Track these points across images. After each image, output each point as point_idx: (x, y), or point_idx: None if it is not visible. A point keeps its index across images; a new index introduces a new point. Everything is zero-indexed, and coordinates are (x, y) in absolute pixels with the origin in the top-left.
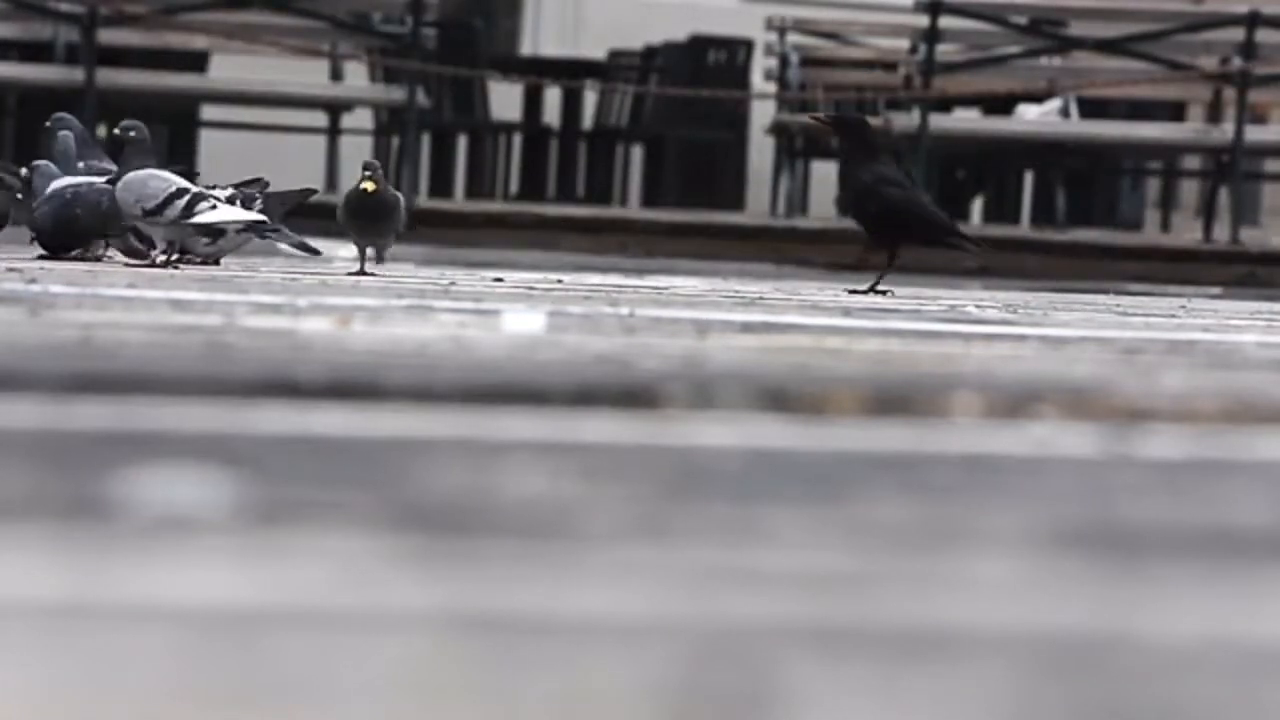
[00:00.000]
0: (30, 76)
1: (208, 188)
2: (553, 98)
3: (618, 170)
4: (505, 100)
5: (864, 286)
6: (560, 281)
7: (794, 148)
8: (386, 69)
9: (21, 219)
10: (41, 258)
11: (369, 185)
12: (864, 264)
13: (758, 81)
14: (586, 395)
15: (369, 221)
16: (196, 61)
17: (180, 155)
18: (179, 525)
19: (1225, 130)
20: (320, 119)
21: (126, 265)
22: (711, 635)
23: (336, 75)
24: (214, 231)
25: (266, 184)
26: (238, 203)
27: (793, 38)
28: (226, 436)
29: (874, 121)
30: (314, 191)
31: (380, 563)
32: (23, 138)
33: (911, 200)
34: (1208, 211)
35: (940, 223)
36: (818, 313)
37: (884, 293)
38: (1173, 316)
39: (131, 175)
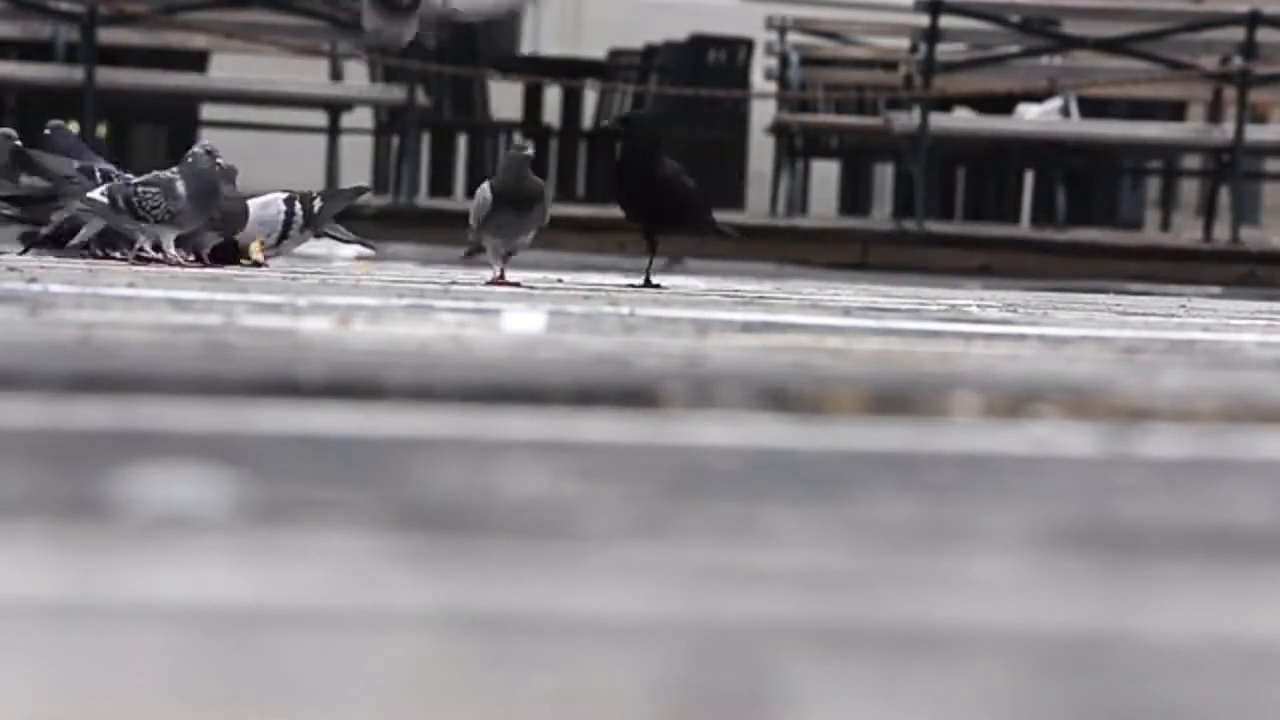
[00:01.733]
0: (30, 76)
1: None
2: (553, 97)
3: None
4: (505, 99)
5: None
6: (560, 281)
7: (794, 147)
8: (386, 68)
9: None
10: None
11: (529, 150)
12: (863, 262)
13: (758, 81)
14: (586, 395)
15: (520, 213)
16: (196, 61)
17: (180, 155)
18: (179, 525)
19: (1226, 130)
20: (320, 118)
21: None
22: (712, 635)
23: (336, 75)
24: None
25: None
26: (296, 205)
27: (793, 37)
28: (226, 436)
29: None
30: (366, 189)
31: (380, 563)
32: (22, 137)
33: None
34: (1208, 211)
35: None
36: (818, 312)
37: (658, 285)
38: (1173, 316)
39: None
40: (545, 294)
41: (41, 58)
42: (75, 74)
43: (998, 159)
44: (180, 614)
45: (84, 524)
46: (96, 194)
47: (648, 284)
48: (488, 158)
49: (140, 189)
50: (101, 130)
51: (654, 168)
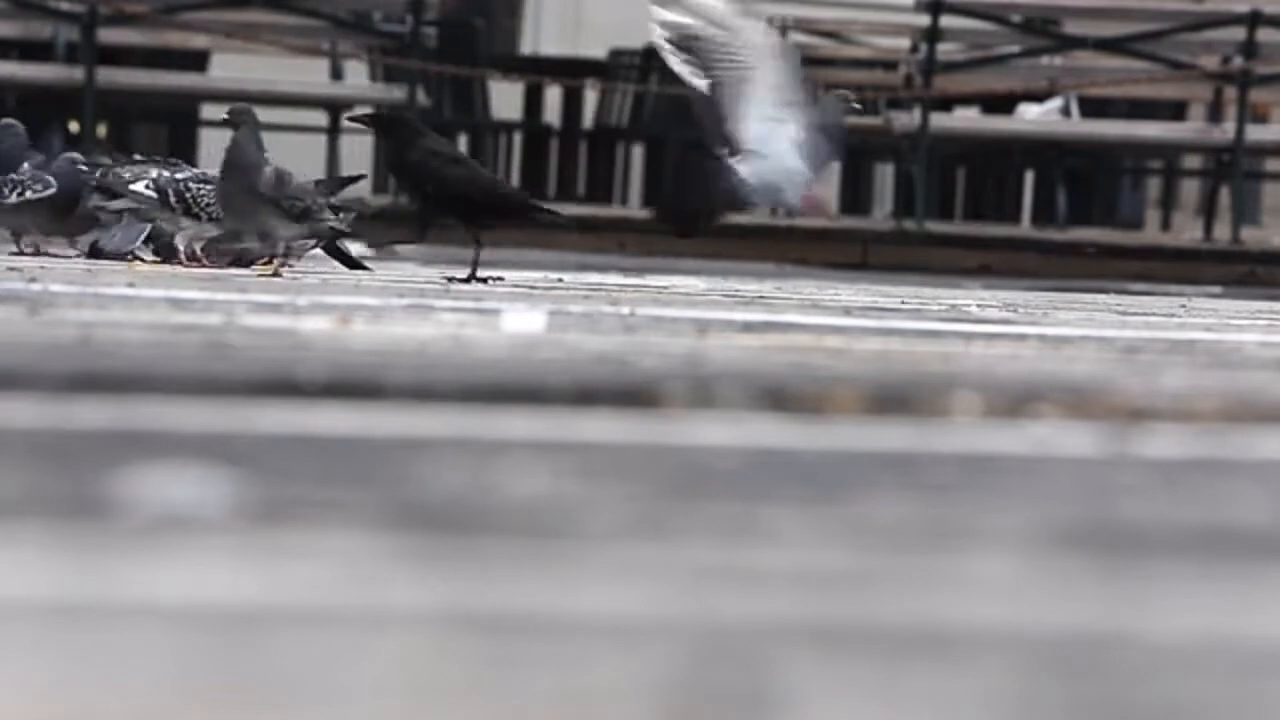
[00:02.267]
0: (30, 76)
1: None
2: (553, 97)
3: (618, 169)
4: (506, 99)
5: (463, 274)
6: (560, 280)
7: None
8: (386, 68)
9: None
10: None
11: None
12: (863, 262)
13: None
14: (586, 394)
15: None
16: (196, 61)
17: (180, 154)
18: (179, 525)
19: (1226, 129)
20: (320, 118)
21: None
22: (712, 635)
23: (336, 74)
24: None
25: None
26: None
27: (793, 37)
28: (226, 436)
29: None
30: (361, 176)
31: (380, 562)
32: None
33: (474, 176)
34: (1208, 211)
35: (511, 197)
36: (818, 312)
37: (486, 279)
38: (1173, 316)
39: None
40: (545, 294)
41: (42, 57)
42: (75, 74)
43: (998, 159)
44: (180, 614)
45: (84, 524)
46: (140, 187)
47: (472, 278)
48: (488, 157)
49: (192, 184)
50: (101, 130)
51: (420, 160)
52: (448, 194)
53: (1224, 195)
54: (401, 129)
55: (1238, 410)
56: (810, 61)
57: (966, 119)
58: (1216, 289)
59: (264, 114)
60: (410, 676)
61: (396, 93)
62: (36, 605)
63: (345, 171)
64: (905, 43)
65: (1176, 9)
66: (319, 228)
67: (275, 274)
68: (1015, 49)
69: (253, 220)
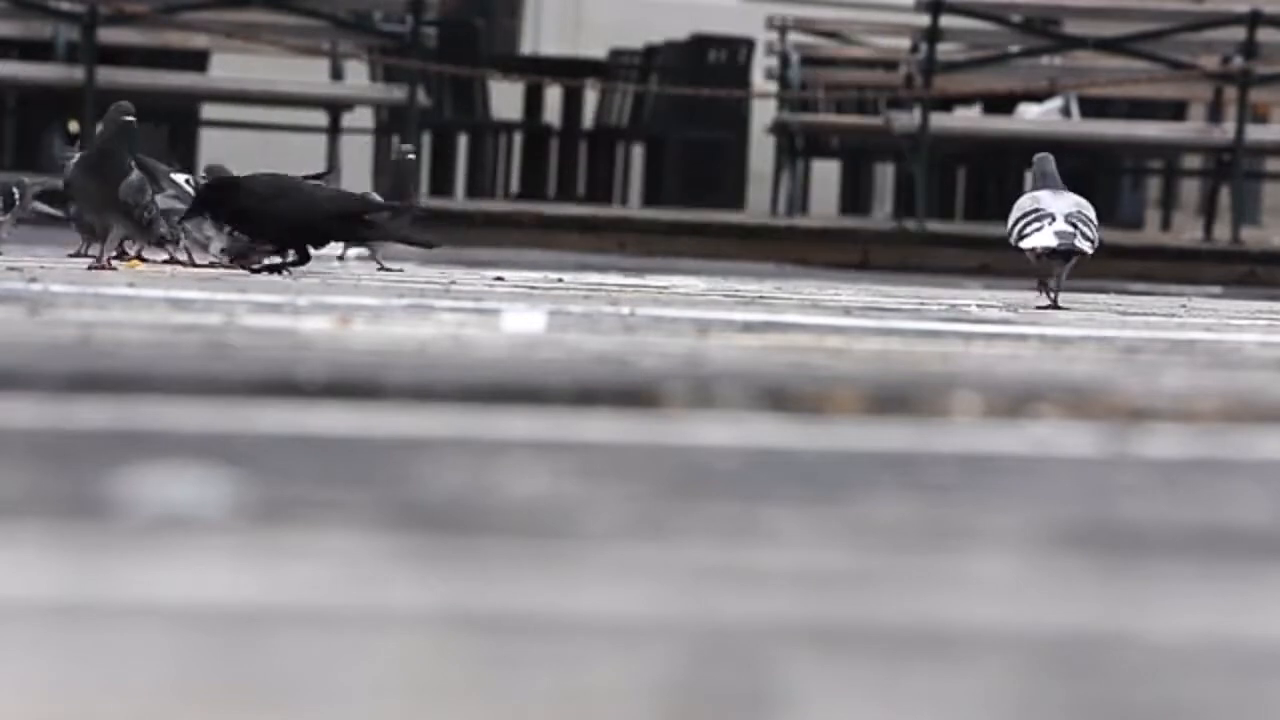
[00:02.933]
0: (30, 76)
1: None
2: (553, 97)
3: (618, 169)
4: (506, 99)
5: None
6: (561, 280)
7: (794, 147)
8: (387, 68)
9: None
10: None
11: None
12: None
13: (758, 80)
14: (586, 394)
15: None
16: (197, 61)
17: (181, 154)
18: (179, 525)
19: (1226, 129)
20: (320, 118)
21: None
22: (711, 635)
23: (337, 74)
24: None
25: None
26: None
27: (794, 37)
28: (226, 436)
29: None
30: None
31: (380, 562)
32: (23, 137)
33: (299, 204)
34: (1208, 211)
35: (349, 206)
36: (818, 312)
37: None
38: (1173, 316)
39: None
40: (545, 294)
41: (42, 57)
42: (76, 74)
43: (998, 159)
44: (180, 614)
45: (84, 524)
46: (182, 180)
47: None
48: (488, 157)
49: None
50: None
51: (246, 208)
52: (279, 230)
53: (1224, 195)
54: (219, 191)
55: (1238, 410)
56: (811, 61)
57: (966, 119)
58: (1216, 289)
59: (264, 114)
60: (410, 676)
61: (396, 93)
62: (36, 605)
63: (345, 171)
64: (905, 43)
65: (1176, 9)
66: (154, 235)
67: (104, 266)
68: (1015, 49)
69: (108, 221)
